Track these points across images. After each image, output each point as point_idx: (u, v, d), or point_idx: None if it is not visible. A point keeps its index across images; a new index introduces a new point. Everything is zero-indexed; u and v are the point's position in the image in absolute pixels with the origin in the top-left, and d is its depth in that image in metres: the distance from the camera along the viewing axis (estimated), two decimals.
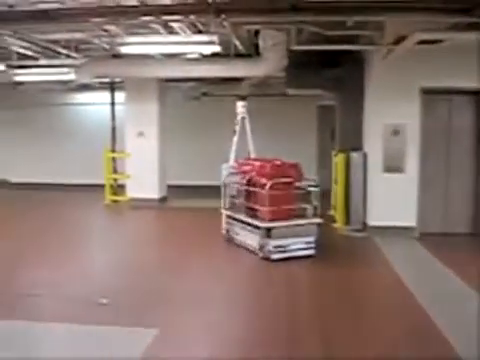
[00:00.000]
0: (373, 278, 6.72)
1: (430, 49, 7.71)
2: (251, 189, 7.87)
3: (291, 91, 11.33)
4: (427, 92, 8.47)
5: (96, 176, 13.20)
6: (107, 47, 9.81)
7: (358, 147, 9.35)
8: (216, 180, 9.01)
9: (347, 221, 9.32)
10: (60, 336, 4.80)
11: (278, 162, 8.01)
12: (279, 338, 4.71)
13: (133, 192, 12.19)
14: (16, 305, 5.52)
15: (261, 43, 8.91)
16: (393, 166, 8.65)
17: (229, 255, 7.94)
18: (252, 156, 9.07)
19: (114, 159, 13.05)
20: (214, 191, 12.98)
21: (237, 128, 9.01)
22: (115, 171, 13.05)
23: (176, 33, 8.17)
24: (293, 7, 6.21)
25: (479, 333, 4.36)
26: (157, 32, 8.25)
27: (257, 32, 8.80)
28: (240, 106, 9.10)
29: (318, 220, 7.67)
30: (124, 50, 8.87)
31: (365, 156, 9.08)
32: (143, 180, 12.04)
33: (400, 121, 8.57)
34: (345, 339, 4.68)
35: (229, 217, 8.40)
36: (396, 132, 8.60)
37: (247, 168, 8.22)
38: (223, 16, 6.32)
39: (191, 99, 14.09)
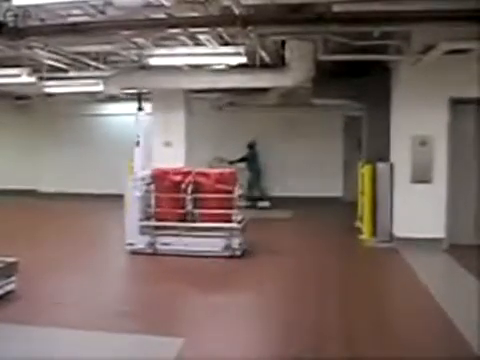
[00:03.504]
0: (396, 286, 6.65)
1: (459, 58, 7.65)
2: (210, 196, 8.09)
3: (317, 101, 11.33)
4: (456, 102, 8.37)
5: (123, 186, 13.31)
6: (135, 59, 9.98)
7: (385, 158, 9.26)
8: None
9: (374, 232, 9.22)
10: (83, 343, 4.85)
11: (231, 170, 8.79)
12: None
13: None
14: (46, 312, 5.61)
15: (287, 54, 8.95)
16: (421, 177, 8.54)
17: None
18: (147, 169, 8.79)
19: None
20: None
21: (140, 139, 8.73)
22: None
23: (203, 44, 8.27)
24: (319, 17, 6.22)
25: None
26: (184, 44, 8.36)
27: (283, 43, 8.83)
28: (138, 116, 8.87)
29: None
30: (152, 62, 8.99)
31: (392, 167, 9.00)
32: None
33: (428, 131, 8.46)
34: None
35: (156, 228, 8.27)
36: (424, 143, 8.50)
37: (177, 178, 8.31)
38: (250, 27, 6.36)
39: (217, 109, 14.14)
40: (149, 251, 8.22)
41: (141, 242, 8.27)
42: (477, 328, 4.92)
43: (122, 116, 15.51)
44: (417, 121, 8.48)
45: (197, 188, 8.19)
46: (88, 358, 4.51)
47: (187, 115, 12.51)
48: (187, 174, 8.37)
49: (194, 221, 8.21)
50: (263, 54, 9.14)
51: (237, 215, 8.14)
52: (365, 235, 9.32)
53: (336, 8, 6.03)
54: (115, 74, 10.52)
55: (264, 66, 9.72)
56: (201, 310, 5.73)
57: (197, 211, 8.20)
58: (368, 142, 10.28)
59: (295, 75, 9.22)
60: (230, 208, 8.08)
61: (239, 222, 8.13)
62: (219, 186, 8.12)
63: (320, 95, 10.55)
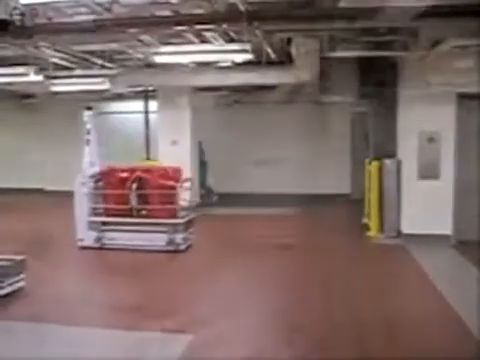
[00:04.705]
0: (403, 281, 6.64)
1: (466, 54, 7.60)
2: (154, 192, 8.32)
3: (324, 98, 11.31)
4: (463, 98, 8.33)
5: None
6: (141, 57, 9.98)
7: (392, 154, 9.24)
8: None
9: (381, 229, 9.20)
10: (91, 340, 4.90)
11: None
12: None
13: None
14: (50, 310, 5.68)
15: (293, 51, 8.92)
16: (428, 173, 8.52)
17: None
18: (97, 166, 8.95)
19: None
20: (246, 199, 13.07)
21: (88, 137, 8.89)
22: None
23: (209, 42, 8.26)
24: (326, 14, 6.20)
25: None
26: (190, 41, 8.36)
27: (289, 40, 8.81)
28: (86, 115, 8.93)
29: None
30: (158, 59, 9.00)
31: (399, 163, 8.97)
32: None
33: (435, 128, 8.43)
34: None
35: (103, 223, 8.52)
36: (431, 139, 8.47)
37: (124, 174, 8.54)
38: (256, 24, 6.35)
39: (225, 107, 14.12)
40: (96, 246, 8.47)
41: (90, 237, 8.53)
42: None
43: (129, 114, 15.56)
44: (424, 117, 8.45)
45: (142, 184, 8.42)
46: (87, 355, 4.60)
47: (193, 113, 12.52)
48: (133, 171, 8.60)
49: (140, 216, 8.46)
50: (269, 51, 9.12)
51: (181, 210, 8.37)
52: (372, 231, 9.31)
53: (342, 4, 6.00)
54: (121, 72, 10.54)
55: (270, 63, 9.71)
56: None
57: (141, 207, 8.46)
58: (375, 139, 10.24)
59: (301, 72, 9.19)
60: (174, 204, 8.25)
61: (183, 217, 8.32)
62: (162, 182, 8.33)
63: (327, 92, 10.53)
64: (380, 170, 9.20)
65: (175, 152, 12.20)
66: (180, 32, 7.63)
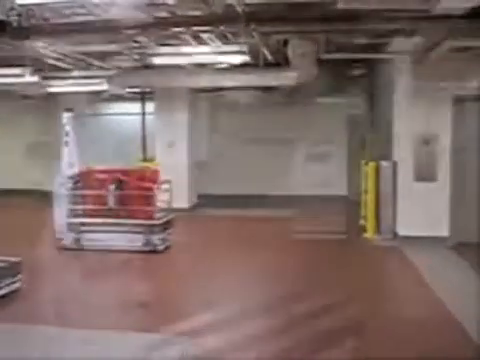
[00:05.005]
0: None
1: (463, 56, 7.63)
2: (132, 193, 8.45)
3: (321, 99, 11.34)
4: (460, 100, 8.35)
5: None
6: (138, 58, 9.98)
7: (388, 156, 9.26)
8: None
9: (377, 230, 9.21)
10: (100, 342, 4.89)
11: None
12: None
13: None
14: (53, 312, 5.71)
15: (290, 52, 8.93)
16: (424, 175, 8.53)
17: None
18: (76, 168, 8.98)
19: None
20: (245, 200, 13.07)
21: (67, 139, 8.94)
22: None
23: (206, 43, 8.26)
24: (323, 16, 6.22)
25: None
26: (187, 43, 8.36)
27: (286, 41, 8.82)
28: (66, 117, 8.98)
29: None
30: (155, 61, 9.00)
31: (395, 165, 8.99)
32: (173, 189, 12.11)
33: (431, 129, 8.45)
34: None
35: (82, 224, 8.61)
36: (427, 141, 8.49)
37: (102, 176, 8.63)
38: (253, 25, 6.37)
39: (228, 108, 14.12)
40: (75, 247, 8.53)
41: (68, 238, 8.60)
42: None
43: (126, 116, 15.53)
44: (421, 119, 8.47)
45: (120, 186, 8.50)
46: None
47: (190, 114, 12.52)
48: (112, 172, 8.67)
49: (118, 217, 8.51)
50: (266, 53, 9.12)
51: (159, 212, 8.47)
52: (368, 233, 9.32)
53: (340, 6, 6.01)
54: (119, 73, 10.53)
55: (267, 65, 9.71)
56: None
57: (118, 208, 8.50)
58: (371, 140, 10.27)
59: (298, 73, 9.20)
60: (151, 205, 8.36)
61: (160, 218, 8.43)
62: (140, 184, 8.43)
63: (324, 93, 10.55)
64: (376, 171, 9.22)
65: (172, 153, 12.22)
66: (177, 33, 7.65)
